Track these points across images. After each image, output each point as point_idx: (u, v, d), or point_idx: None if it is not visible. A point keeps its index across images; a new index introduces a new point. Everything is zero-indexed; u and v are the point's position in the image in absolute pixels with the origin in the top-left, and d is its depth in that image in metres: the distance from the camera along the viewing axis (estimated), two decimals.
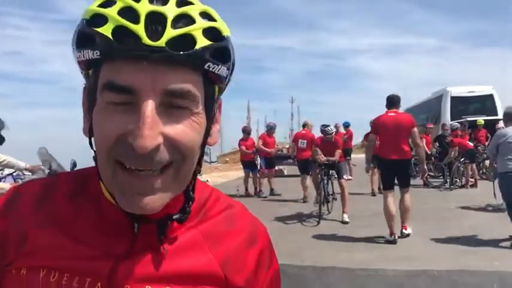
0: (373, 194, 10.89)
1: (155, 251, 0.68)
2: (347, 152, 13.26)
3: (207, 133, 0.66)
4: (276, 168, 14.55)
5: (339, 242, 6.62)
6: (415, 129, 6.55)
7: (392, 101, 6.63)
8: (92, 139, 0.64)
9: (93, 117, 0.61)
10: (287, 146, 17.27)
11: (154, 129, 0.56)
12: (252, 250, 0.75)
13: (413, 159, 13.61)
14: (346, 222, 7.85)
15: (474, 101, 17.66)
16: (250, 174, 12.03)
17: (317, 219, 7.99)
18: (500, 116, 16.63)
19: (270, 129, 12.34)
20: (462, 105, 17.31)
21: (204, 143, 0.66)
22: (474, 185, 12.06)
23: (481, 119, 14.62)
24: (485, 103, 17.42)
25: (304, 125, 11.22)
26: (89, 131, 0.64)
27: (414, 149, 7.12)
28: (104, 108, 0.59)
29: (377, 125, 6.74)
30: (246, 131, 12.35)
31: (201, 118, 0.62)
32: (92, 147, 0.64)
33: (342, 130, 14.70)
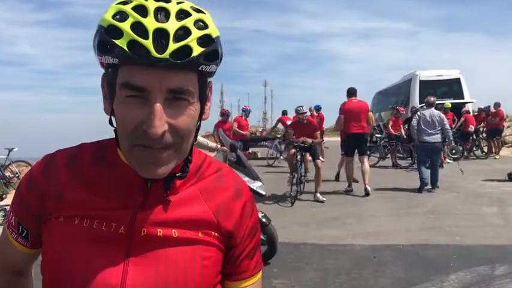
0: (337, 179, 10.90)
1: (164, 203, 0.88)
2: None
3: (201, 113, 0.86)
4: (250, 150, 14.79)
5: (310, 220, 6.88)
6: (370, 113, 9.26)
7: (354, 92, 9.13)
8: (113, 118, 0.83)
9: (114, 106, 0.81)
10: (260, 129, 17.47)
11: (162, 120, 0.75)
12: (238, 202, 0.96)
13: (383, 141, 14.01)
14: (322, 201, 8.13)
15: (442, 84, 18.08)
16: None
17: (290, 200, 8.21)
18: (466, 99, 17.27)
19: (248, 113, 12.97)
20: (430, 88, 17.69)
21: (200, 120, 0.87)
22: (440, 166, 12.45)
23: (448, 102, 15.04)
24: (453, 87, 17.89)
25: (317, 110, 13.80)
26: (110, 112, 0.83)
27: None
28: (124, 101, 0.77)
29: (346, 109, 9.01)
30: (226, 114, 12.54)
31: (196, 105, 0.82)
32: (111, 124, 0.84)
33: (315, 113, 15.02)
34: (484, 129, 16.11)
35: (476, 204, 7.51)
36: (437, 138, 9.14)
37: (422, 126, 9.12)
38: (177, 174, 0.88)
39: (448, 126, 9.32)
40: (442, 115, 9.34)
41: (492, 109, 16.03)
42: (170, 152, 0.80)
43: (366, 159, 9.04)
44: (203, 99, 0.85)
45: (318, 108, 15.59)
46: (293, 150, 8.57)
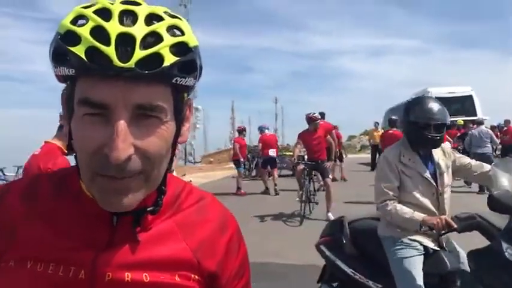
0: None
1: (134, 241, 0.75)
2: (330, 151, 13.47)
3: (177, 135, 0.73)
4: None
5: None
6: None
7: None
8: (72, 142, 0.70)
9: (72, 126, 0.68)
10: None
11: (126, 142, 0.63)
12: (222, 237, 0.83)
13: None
14: None
15: (454, 101, 17.91)
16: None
17: (299, 219, 8.07)
18: (479, 116, 17.05)
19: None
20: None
21: (175, 144, 0.74)
22: None
23: (460, 119, 14.86)
24: (465, 103, 17.74)
25: (334, 127, 14.59)
26: (69, 134, 0.71)
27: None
28: (82, 120, 0.65)
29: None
30: (244, 130, 12.87)
31: (170, 125, 0.70)
32: (71, 149, 0.71)
33: None
34: (499, 146, 15.80)
35: None
36: (486, 150, 11.23)
37: (473, 142, 11.40)
38: (148, 209, 0.75)
39: (495, 139, 11.75)
40: (490, 131, 11.77)
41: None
42: (139, 180, 0.68)
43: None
44: (179, 118, 0.73)
45: None
46: (301, 167, 8.41)
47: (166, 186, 0.78)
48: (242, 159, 12.03)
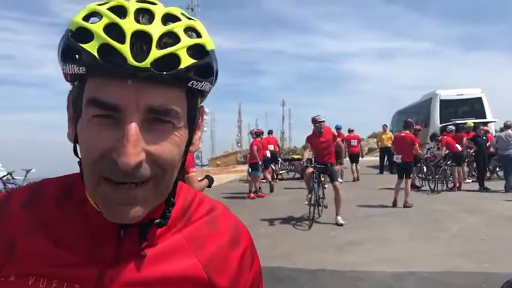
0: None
1: (141, 256, 0.70)
2: (339, 155, 13.39)
3: (189, 143, 0.69)
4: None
5: (329, 244, 6.65)
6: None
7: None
8: (77, 146, 0.66)
9: (78, 128, 0.64)
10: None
11: (137, 147, 0.59)
12: (234, 251, 0.78)
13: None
14: (341, 224, 7.88)
15: (463, 103, 17.78)
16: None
17: (308, 223, 8.01)
18: (489, 118, 16.88)
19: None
20: (451, 108, 17.44)
21: (186, 152, 0.69)
22: (458, 188, 12.30)
23: (470, 122, 14.73)
24: (474, 106, 17.56)
25: (351, 130, 16.68)
26: (74, 138, 0.67)
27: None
28: (90, 122, 0.61)
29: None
30: (262, 133, 13.35)
31: (183, 131, 0.66)
32: (76, 154, 0.67)
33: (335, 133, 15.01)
34: None
35: (503, 228, 7.18)
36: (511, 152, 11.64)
37: (500, 144, 11.65)
38: (155, 221, 0.70)
39: None
40: None
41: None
42: (148, 188, 0.63)
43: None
44: (192, 126, 0.69)
45: (338, 128, 15.45)
46: (310, 170, 8.33)
47: (176, 197, 0.75)
48: (260, 162, 12.06)
